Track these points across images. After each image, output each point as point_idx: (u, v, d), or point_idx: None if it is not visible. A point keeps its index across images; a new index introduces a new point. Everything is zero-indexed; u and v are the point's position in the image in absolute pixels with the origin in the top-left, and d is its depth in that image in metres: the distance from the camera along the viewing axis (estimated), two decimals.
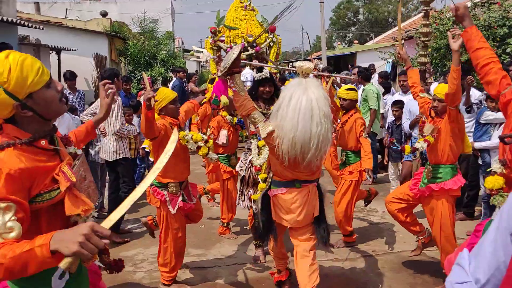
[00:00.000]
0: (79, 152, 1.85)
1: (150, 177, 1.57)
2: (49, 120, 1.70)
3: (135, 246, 4.67)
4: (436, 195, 3.54)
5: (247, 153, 4.04)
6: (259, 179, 3.72)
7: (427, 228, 3.90)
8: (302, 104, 2.78)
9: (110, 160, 4.87)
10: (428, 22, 4.91)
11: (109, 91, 2.25)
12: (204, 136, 3.67)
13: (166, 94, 3.56)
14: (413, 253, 4.05)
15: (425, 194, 3.59)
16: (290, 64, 21.25)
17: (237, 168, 4.16)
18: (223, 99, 4.44)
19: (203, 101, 5.03)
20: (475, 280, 1.17)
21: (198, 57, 4.21)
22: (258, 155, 3.85)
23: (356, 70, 7.59)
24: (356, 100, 4.55)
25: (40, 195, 1.57)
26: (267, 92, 3.73)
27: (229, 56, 2.92)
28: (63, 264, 1.27)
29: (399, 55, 4.11)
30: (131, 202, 1.45)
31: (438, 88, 3.50)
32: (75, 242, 1.26)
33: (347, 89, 4.47)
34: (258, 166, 3.82)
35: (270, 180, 3.26)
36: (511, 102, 2.43)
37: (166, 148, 1.73)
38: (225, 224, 4.86)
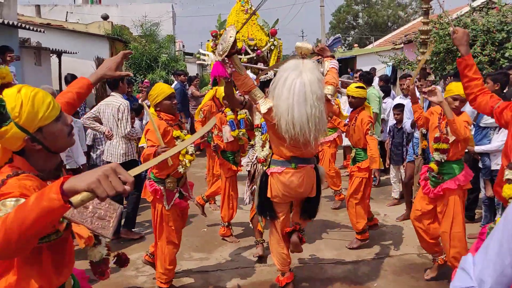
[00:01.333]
0: None
1: (181, 145, 1.58)
2: (56, 153, 1.72)
3: (137, 250, 4.67)
4: (448, 191, 3.51)
5: (253, 149, 4.18)
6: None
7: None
8: (296, 87, 2.99)
9: (118, 162, 4.81)
10: (427, 20, 4.93)
11: (125, 72, 2.34)
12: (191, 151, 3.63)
13: (162, 89, 3.51)
14: (430, 275, 3.87)
15: (439, 193, 3.54)
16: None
17: (243, 163, 4.24)
18: (219, 90, 4.54)
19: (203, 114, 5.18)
20: (479, 282, 1.18)
21: (204, 60, 4.26)
22: (262, 148, 3.98)
23: (359, 73, 7.61)
24: (365, 98, 4.54)
25: (40, 238, 1.52)
26: None
27: (227, 39, 3.06)
28: (75, 198, 1.20)
29: (408, 88, 4.03)
30: (159, 160, 1.48)
31: (455, 88, 3.49)
32: (93, 176, 1.19)
33: (356, 87, 4.49)
34: (262, 158, 3.95)
35: (269, 159, 3.47)
36: (506, 108, 2.49)
37: (200, 130, 1.68)
38: (226, 224, 4.87)
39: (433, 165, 3.58)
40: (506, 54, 6.95)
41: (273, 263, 4.12)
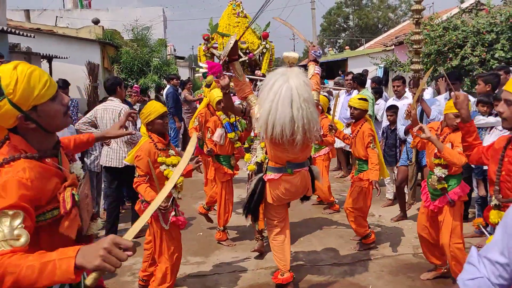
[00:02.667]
0: (82, 172, 1.84)
1: (169, 186, 1.55)
2: (52, 132, 1.69)
3: (133, 255, 4.63)
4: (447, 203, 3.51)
5: (252, 154, 4.38)
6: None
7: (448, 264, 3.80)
8: (283, 91, 3.09)
9: (120, 166, 4.78)
10: (419, 30, 5.02)
11: (127, 131, 2.43)
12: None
13: (154, 108, 3.39)
14: (426, 277, 3.90)
15: (440, 206, 3.54)
16: None
17: (244, 168, 4.47)
18: (209, 78, 4.69)
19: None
20: (488, 275, 1.21)
21: (202, 72, 4.33)
22: (262, 154, 4.07)
23: (350, 76, 7.61)
24: (366, 110, 4.53)
25: (42, 214, 1.58)
26: None
27: (227, 46, 3.32)
28: (89, 279, 1.29)
29: (409, 114, 4.01)
30: (153, 209, 1.45)
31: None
32: (97, 257, 1.27)
33: (359, 99, 4.49)
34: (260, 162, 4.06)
35: (266, 166, 3.60)
36: (491, 146, 2.53)
37: (184, 155, 1.64)
38: (222, 228, 4.86)
39: (437, 184, 3.54)
40: (496, 55, 7.03)
41: (270, 266, 4.14)
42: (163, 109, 3.43)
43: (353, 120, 4.61)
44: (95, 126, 4.85)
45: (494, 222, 2.31)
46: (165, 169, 3.39)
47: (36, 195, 1.52)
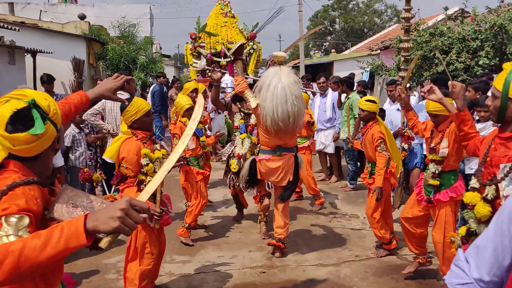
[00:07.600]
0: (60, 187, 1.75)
1: (180, 147, 1.48)
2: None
3: (117, 253, 4.59)
4: (440, 202, 3.52)
5: (231, 144, 5.12)
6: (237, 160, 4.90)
7: (429, 252, 3.89)
8: (278, 91, 3.73)
9: None
10: (408, 38, 5.13)
11: (120, 99, 2.39)
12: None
13: (140, 105, 3.28)
14: (407, 270, 3.95)
15: (432, 203, 3.55)
16: None
17: (223, 151, 5.22)
18: (179, 104, 4.94)
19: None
20: (476, 280, 1.23)
21: (195, 66, 4.50)
22: (242, 145, 4.87)
23: (322, 79, 7.52)
24: (375, 112, 4.38)
25: None
26: None
27: (234, 46, 4.23)
28: (104, 243, 1.23)
29: (400, 97, 4.06)
30: (166, 171, 1.40)
31: (430, 105, 3.48)
32: (115, 218, 1.20)
33: (367, 100, 4.37)
34: (241, 154, 4.84)
35: (258, 148, 4.32)
36: (483, 140, 2.50)
37: (194, 114, 1.57)
38: (187, 226, 4.78)
39: (431, 180, 3.55)
40: (480, 62, 7.16)
41: (256, 265, 4.15)
42: (148, 106, 3.38)
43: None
44: (102, 118, 5.01)
45: (469, 202, 2.29)
46: (147, 164, 3.23)
47: (37, 213, 1.47)
